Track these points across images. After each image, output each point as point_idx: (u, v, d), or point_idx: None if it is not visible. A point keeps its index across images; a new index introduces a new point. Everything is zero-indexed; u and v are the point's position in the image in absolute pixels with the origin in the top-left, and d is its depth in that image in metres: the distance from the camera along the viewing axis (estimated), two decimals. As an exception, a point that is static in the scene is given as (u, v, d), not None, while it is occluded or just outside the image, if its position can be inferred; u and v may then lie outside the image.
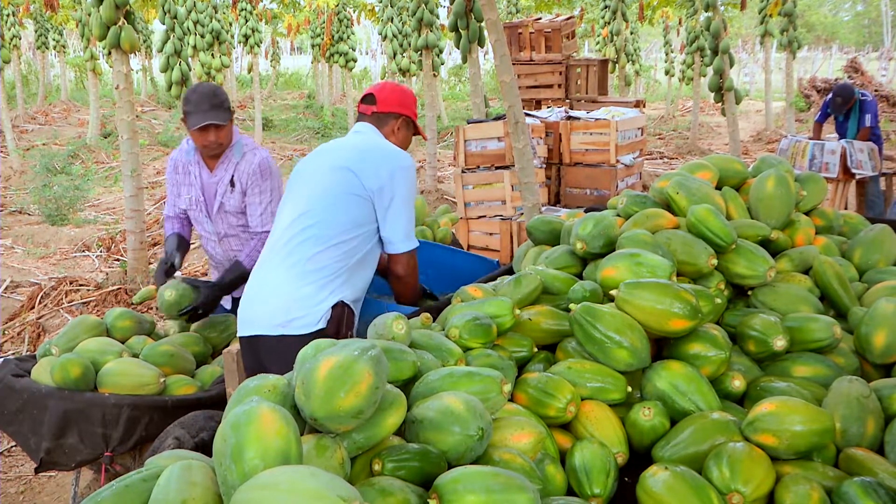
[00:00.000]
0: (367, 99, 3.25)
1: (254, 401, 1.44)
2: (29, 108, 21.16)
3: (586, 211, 3.38)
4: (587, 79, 9.85)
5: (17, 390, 3.25)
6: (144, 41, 23.99)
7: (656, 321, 2.17)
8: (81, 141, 16.25)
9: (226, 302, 4.16)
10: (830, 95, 9.11)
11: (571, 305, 2.26)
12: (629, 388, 2.15)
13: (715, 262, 2.51)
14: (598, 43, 19.20)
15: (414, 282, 3.23)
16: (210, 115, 3.67)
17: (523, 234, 6.24)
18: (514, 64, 6.62)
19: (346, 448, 1.61)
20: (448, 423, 1.68)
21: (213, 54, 13.38)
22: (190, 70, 9.58)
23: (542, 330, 2.43)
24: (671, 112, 23.79)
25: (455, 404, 1.72)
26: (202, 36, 12.77)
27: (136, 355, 3.50)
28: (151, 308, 6.70)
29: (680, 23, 24.41)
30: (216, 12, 14.21)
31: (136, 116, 6.47)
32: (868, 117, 8.78)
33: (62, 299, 6.65)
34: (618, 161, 7.15)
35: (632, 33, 20.77)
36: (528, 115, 7.44)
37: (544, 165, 7.24)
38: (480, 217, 6.87)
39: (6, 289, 7.20)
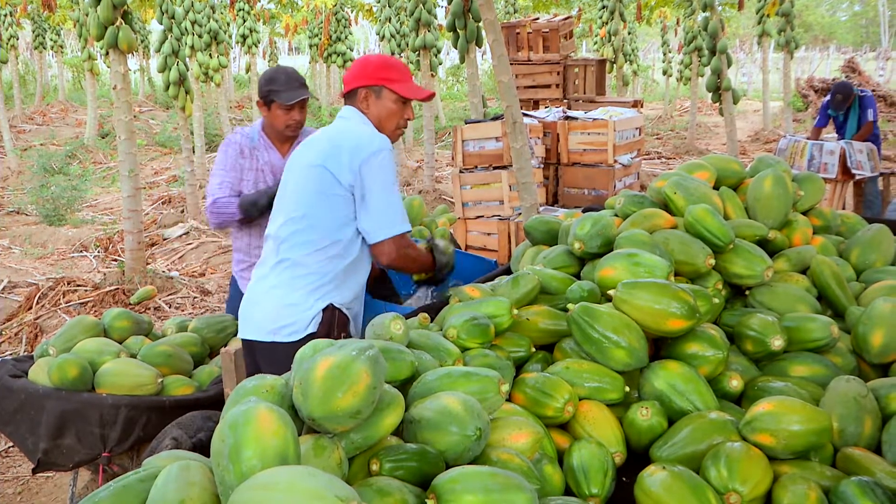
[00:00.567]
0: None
1: (251, 401, 1.44)
2: (26, 109, 21.16)
3: (584, 211, 3.38)
4: (585, 79, 9.86)
5: (14, 391, 3.25)
6: (142, 41, 23.98)
7: (654, 321, 2.17)
8: (79, 141, 16.25)
9: (245, 288, 4.13)
10: (830, 94, 9.06)
11: (569, 305, 2.26)
12: (627, 388, 2.15)
13: (713, 261, 2.51)
14: (595, 43, 19.19)
15: (409, 265, 3.08)
16: (303, 91, 3.72)
17: (521, 234, 6.25)
18: (511, 64, 6.61)
19: (343, 448, 1.61)
20: (446, 423, 1.68)
21: (210, 54, 13.36)
22: (188, 70, 9.57)
23: (540, 330, 2.43)
24: (669, 112, 23.81)
25: (453, 404, 1.72)
26: (200, 36, 12.75)
27: (133, 356, 3.49)
28: (149, 308, 6.70)
29: (678, 23, 24.45)
30: (214, 12, 14.19)
31: (134, 117, 6.48)
32: (870, 112, 8.76)
33: (60, 300, 6.65)
34: (615, 161, 7.15)
35: (629, 33, 20.80)
36: (525, 115, 7.44)
37: (542, 165, 7.24)
38: (478, 217, 6.87)
39: (4, 289, 7.20)
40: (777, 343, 2.28)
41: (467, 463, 1.67)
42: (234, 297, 4.13)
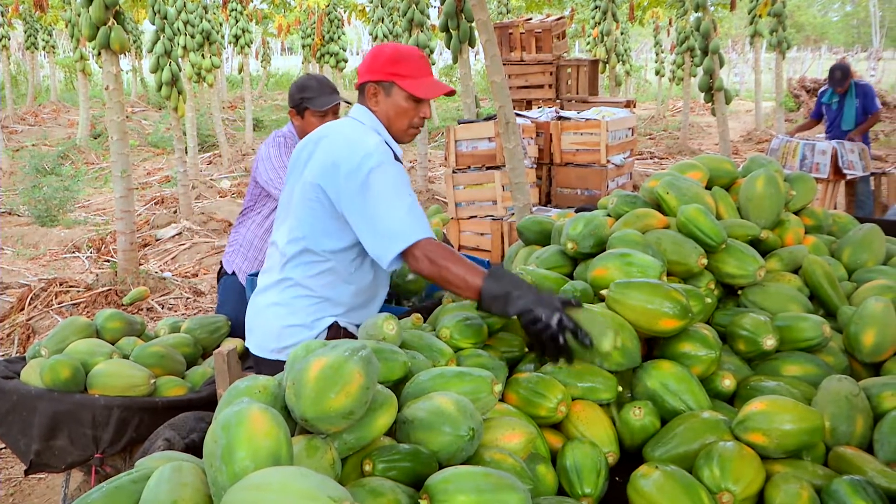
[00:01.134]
0: None
1: (244, 402, 1.44)
2: (18, 109, 21.10)
3: (577, 211, 3.38)
4: (577, 79, 9.87)
5: (6, 392, 3.24)
6: (134, 41, 23.91)
7: (647, 321, 2.17)
8: (71, 142, 16.21)
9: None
10: (828, 73, 9.01)
11: (562, 305, 2.26)
12: (620, 388, 2.15)
13: (705, 261, 2.52)
14: (588, 43, 19.23)
15: (446, 267, 2.42)
16: (335, 97, 3.76)
17: (514, 234, 6.25)
18: (504, 64, 6.62)
19: (336, 449, 1.61)
20: (439, 423, 1.69)
21: (203, 55, 13.33)
22: (180, 70, 9.55)
23: (533, 330, 2.43)
24: (661, 112, 23.86)
25: (446, 404, 1.72)
26: (192, 36, 12.72)
27: (126, 356, 3.49)
28: (142, 309, 6.69)
29: (670, 23, 24.46)
30: (206, 13, 14.15)
31: (126, 117, 6.46)
32: (876, 101, 8.76)
33: (52, 300, 6.63)
34: (608, 161, 7.16)
35: (622, 33, 20.83)
36: (518, 115, 7.44)
37: (535, 165, 7.25)
38: (471, 217, 6.87)
39: (-5, 290, 7.18)
40: (769, 342, 2.28)
41: (460, 463, 1.67)
42: (227, 300, 4.13)
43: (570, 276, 2.73)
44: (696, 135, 19.33)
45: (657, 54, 24.53)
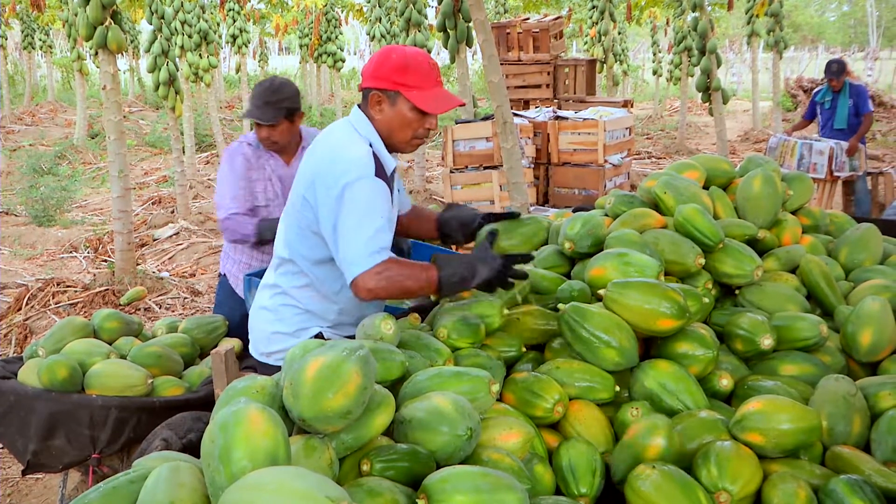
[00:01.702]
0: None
1: (242, 402, 1.44)
2: (15, 109, 21.07)
3: (574, 211, 3.38)
4: (575, 79, 9.87)
5: (3, 392, 3.24)
6: (132, 41, 23.91)
7: (644, 320, 2.18)
8: (68, 141, 16.18)
9: (238, 288, 4.13)
10: (825, 66, 9.01)
11: (560, 305, 2.26)
12: (617, 388, 2.15)
13: (702, 261, 2.52)
14: (586, 43, 19.23)
15: (392, 291, 2.43)
16: (254, 112, 3.69)
17: (512, 233, 6.24)
18: (502, 64, 6.62)
19: (334, 448, 1.61)
20: (436, 423, 1.69)
21: (200, 54, 13.33)
22: (178, 70, 9.55)
23: (531, 330, 2.43)
24: (659, 112, 23.86)
25: (443, 404, 1.72)
26: (190, 36, 12.71)
27: (123, 357, 3.48)
28: (139, 309, 6.68)
29: (667, 23, 24.48)
30: (204, 12, 14.16)
31: (124, 117, 6.46)
32: (869, 102, 8.77)
33: (49, 301, 6.62)
34: (606, 161, 7.16)
35: (619, 33, 20.83)
36: (516, 115, 7.45)
37: (532, 165, 7.25)
38: (469, 217, 6.86)
39: (-8, 290, 7.17)
40: (767, 342, 2.28)
41: (458, 463, 1.67)
42: (224, 300, 4.13)
43: (568, 276, 2.73)
44: (694, 134, 19.33)
45: (654, 54, 24.54)
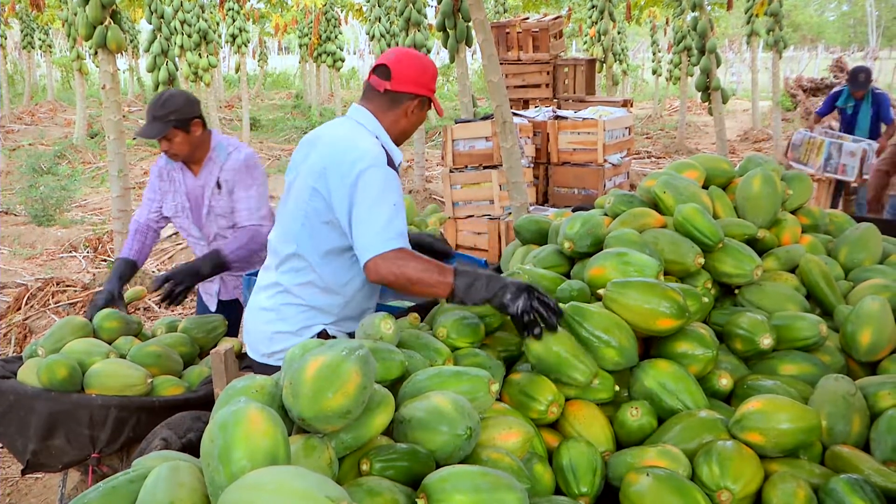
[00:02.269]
0: (381, 71, 2.72)
1: (241, 401, 1.44)
2: (15, 108, 21.07)
3: (574, 210, 3.38)
4: (575, 78, 9.87)
5: (3, 392, 3.23)
6: (131, 41, 23.90)
7: (644, 320, 2.18)
8: (68, 141, 16.18)
9: (210, 304, 4.17)
10: (850, 75, 8.54)
11: (559, 305, 2.26)
12: (617, 388, 2.15)
13: (702, 260, 2.52)
14: (585, 42, 19.22)
15: (402, 280, 2.46)
16: (144, 130, 3.73)
17: (511, 233, 6.25)
18: (501, 63, 6.62)
19: (333, 448, 1.61)
20: (436, 422, 1.69)
21: (200, 54, 13.34)
22: (177, 70, 9.55)
23: (531, 329, 2.43)
24: (658, 111, 23.86)
25: (443, 404, 1.72)
26: (189, 36, 12.73)
27: (123, 356, 3.48)
28: (139, 309, 6.68)
29: (667, 22, 24.50)
30: (203, 12, 14.18)
31: (123, 116, 6.45)
32: (891, 112, 8.43)
33: (49, 300, 6.62)
34: (605, 160, 7.16)
35: (619, 33, 20.84)
36: (515, 114, 7.45)
37: (532, 165, 7.25)
38: (468, 217, 6.87)
39: (-8, 290, 7.17)
40: (766, 342, 2.29)
41: (458, 462, 1.67)
42: (200, 311, 4.20)
43: (568, 276, 2.73)
44: (693, 134, 19.34)
45: (654, 54, 24.54)
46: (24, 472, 3.29)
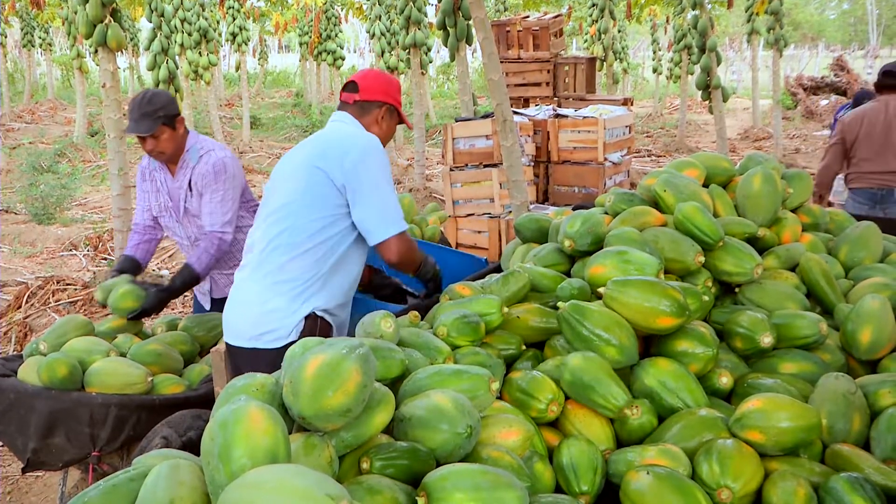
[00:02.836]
0: (350, 87, 3.11)
1: (241, 400, 1.44)
2: (15, 107, 21.06)
3: (574, 209, 3.38)
4: (575, 77, 9.86)
5: (3, 390, 3.24)
6: (131, 39, 23.88)
7: (644, 318, 2.17)
8: (68, 139, 16.17)
9: (205, 302, 4.18)
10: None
11: (559, 303, 2.26)
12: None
13: (702, 259, 2.52)
14: (585, 41, 19.23)
15: (413, 264, 3.07)
16: (132, 126, 3.71)
17: (511, 231, 6.25)
18: (502, 62, 6.61)
19: (334, 447, 1.61)
20: (436, 421, 1.68)
21: (200, 52, 13.33)
22: (177, 68, 9.54)
23: (531, 328, 2.43)
24: (659, 110, 23.85)
25: (443, 402, 1.72)
26: (189, 34, 12.72)
27: (123, 354, 3.48)
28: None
29: (667, 21, 24.48)
30: (203, 10, 14.15)
31: (124, 115, 6.44)
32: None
33: (49, 299, 6.62)
34: (606, 159, 7.15)
35: (619, 31, 20.83)
36: (516, 113, 7.44)
37: (532, 163, 7.24)
38: (469, 215, 6.87)
39: (-8, 288, 7.17)
40: (766, 340, 2.29)
41: (458, 461, 1.67)
42: (197, 310, 4.20)
43: (568, 274, 2.74)
44: (694, 132, 19.33)
45: (654, 52, 24.55)
46: (24, 471, 3.29)
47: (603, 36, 15.76)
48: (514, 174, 5.30)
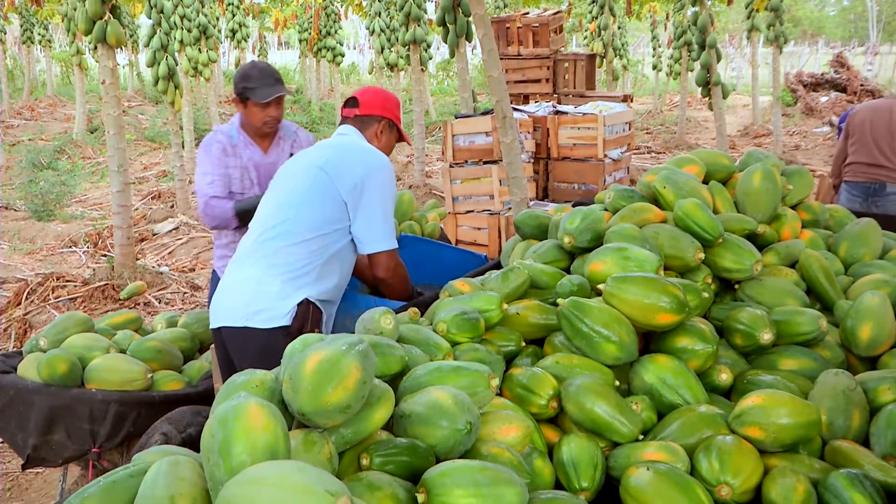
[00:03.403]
0: (350, 102, 3.25)
1: (241, 396, 1.44)
2: (14, 104, 21.06)
3: (574, 205, 3.38)
4: (575, 73, 9.85)
5: (3, 387, 3.24)
6: (131, 36, 23.87)
7: (644, 315, 2.17)
8: (68, 136, 16.17)
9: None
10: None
11: (559, 300, 2.26)
12: (617, 382, 2.15)
13: (702, 255, 2.52)
14: (585, 38, 19.18)
15: (399, 283, 3.20)
16: (279, 88, 3.72)
17: (511, 228, 6.25)
18: (501, 59, 6.61)
19: (333, 443, 1.61)
20: (436, 417, 1.69)
21: (200, 49, 13.30)
22: (177, 65, 9.53)
23: (530, 324, 2.43)
24: (658, 107, 23.83)
25: (443, 398, 1.72)
26: (189, 30, 12.70)
27: (123, 351, 3.49)
28: (139, 304, 6.69)
29: (667, 17, 24.43)
30: (203, 7, 14.12)
31: (123, 111, 6.45)
32: None
33: (49, 295, 6.62)
34: (605, 155, 7.15)
35: (619, 28, 20.81)
36: (515, 109, 7.44)
37: (532, 160, 7.24)
38: (468, 212, 6.86)
39: (-8, 285, 7.17)
40: (766, 337, 2.28)
41: (457, 457, 1.67)
42: (213, 289, 4.15)
43: (568, 271, 2.73)
44: (693, 129, 19.33)
45: (654, 49, 24.51)
46: (24, 467, 3.30)
47: (603, 32, 15.76)
48: (513, 171, 5.30)
